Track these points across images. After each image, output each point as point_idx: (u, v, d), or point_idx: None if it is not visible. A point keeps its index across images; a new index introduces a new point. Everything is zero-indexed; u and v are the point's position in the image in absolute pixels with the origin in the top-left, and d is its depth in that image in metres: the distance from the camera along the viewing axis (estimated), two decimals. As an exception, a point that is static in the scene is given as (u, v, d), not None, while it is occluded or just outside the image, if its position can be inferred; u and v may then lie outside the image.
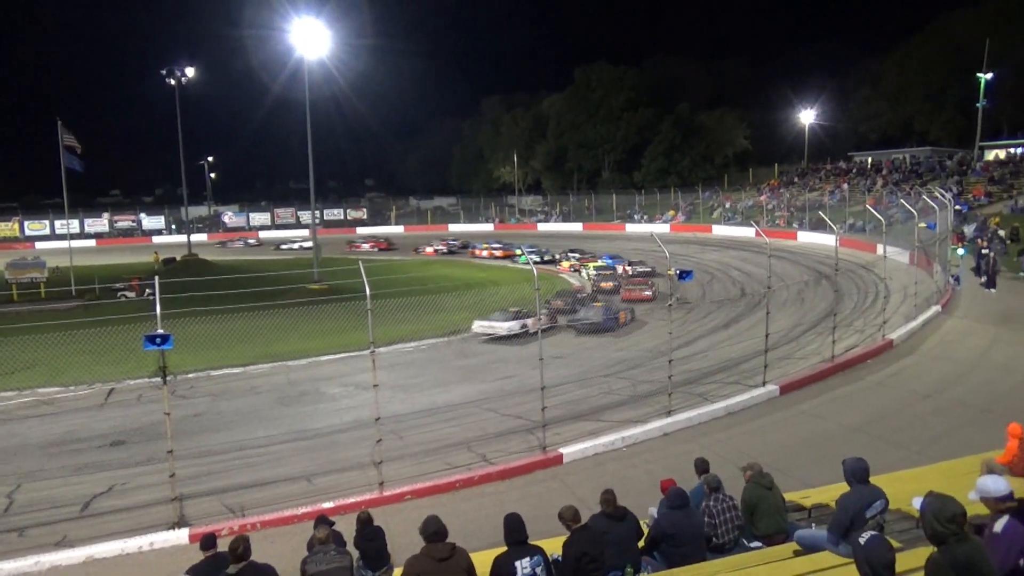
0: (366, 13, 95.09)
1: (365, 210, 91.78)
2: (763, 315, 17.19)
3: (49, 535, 9.94)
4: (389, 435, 11.63)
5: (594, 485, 9.68)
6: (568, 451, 12.17)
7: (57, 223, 76.74)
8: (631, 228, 66.79)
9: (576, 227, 72.62)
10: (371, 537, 7.52)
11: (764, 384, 15.13)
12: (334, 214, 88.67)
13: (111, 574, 9.09)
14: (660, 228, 62.33)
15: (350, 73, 62.62)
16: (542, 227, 76.27)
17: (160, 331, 9.44)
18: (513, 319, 22.89)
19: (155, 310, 9.78)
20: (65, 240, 50.92)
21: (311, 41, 37.06)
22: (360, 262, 11.98)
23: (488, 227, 78.65)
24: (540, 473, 11.63)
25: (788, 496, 7.54)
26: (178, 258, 48.67)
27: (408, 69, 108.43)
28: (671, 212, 69.38)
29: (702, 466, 7.86)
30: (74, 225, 72.20)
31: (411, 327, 22.20)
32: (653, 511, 7.42)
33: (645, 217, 69.89)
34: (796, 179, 65.13)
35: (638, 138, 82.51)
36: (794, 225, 51.63)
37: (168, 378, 9.99)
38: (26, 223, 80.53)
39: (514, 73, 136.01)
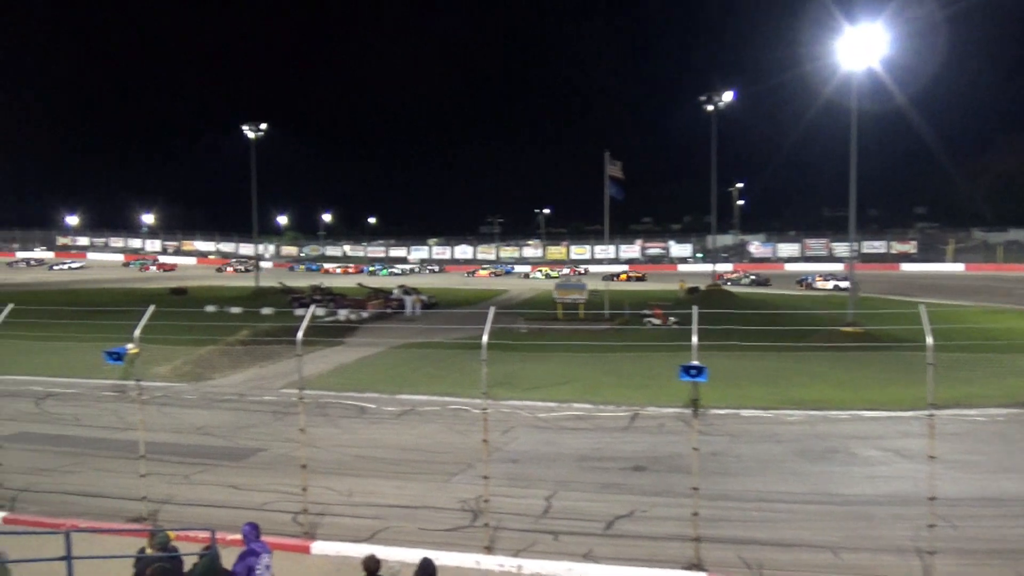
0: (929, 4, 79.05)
1: (914, 243, 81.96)
2: None
3: (577, 545, 10.43)
4: (939, 520, 9.33)
5: None
6: None
7: (597, 248, 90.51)
8: None
9: None
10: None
11: None
12: (874, 247, 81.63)
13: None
14: None
15: (904, 79, 53.73)
16: None
17: (695, 363, 9.14)
18: None
19: (692, 340, 9.61)
20: (603, 264, 57.82)
21: (861, 50, 31.25)
22: (922, 306, 9.84)
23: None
24: None
25: None
26: (702, 287, 50.32)
27: (978, 63, 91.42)
28: None
29: None
30: (610, 251, 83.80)
31: (972, 389, 18.23)
32: None
33: None
34: None
35: None
36: None
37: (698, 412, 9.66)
38: (572, 247, 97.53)
39: None
